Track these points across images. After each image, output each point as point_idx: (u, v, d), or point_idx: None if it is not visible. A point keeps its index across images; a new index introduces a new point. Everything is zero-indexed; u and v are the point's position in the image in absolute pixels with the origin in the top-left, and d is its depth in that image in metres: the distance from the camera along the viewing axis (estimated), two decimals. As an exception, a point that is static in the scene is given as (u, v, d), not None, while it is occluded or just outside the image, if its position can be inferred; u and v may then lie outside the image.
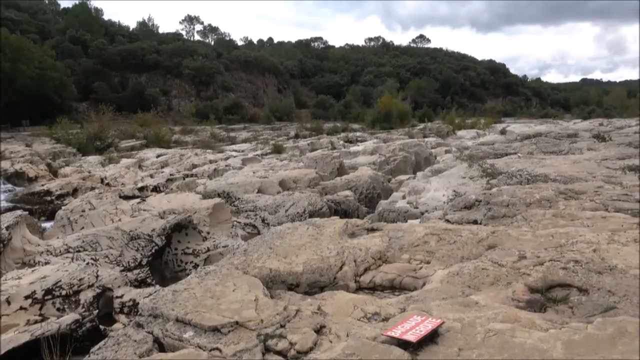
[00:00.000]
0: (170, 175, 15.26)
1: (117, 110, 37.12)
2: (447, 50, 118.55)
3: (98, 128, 25.97)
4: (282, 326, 3.21)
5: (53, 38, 57.04)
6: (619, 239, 4.21)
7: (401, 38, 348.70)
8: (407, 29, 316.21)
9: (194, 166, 18.22)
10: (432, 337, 2.79)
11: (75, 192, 12.69)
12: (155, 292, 4.59)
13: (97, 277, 5.83)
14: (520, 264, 3.92)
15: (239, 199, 11.01)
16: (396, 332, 2.80)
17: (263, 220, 9.80)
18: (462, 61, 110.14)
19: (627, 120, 40.93)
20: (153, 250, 7.01)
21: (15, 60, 39.45)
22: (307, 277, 4.28)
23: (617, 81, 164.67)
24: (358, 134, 36.04)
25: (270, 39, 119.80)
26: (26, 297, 5.31)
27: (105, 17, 79.27)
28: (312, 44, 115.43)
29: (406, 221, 7.51)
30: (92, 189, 12.15)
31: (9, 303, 5.16)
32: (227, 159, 20.10)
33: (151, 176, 15.84)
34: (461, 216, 6.49)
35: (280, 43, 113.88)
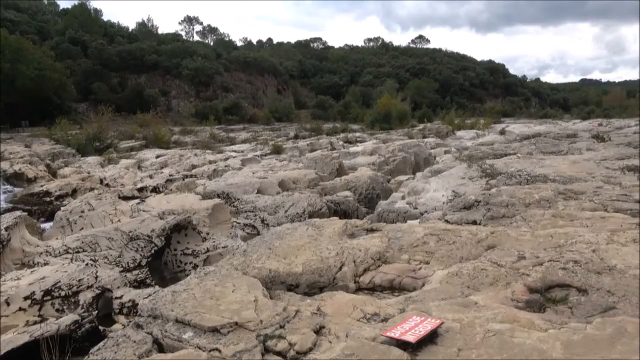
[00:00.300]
0: (170, 175, 15.26)
1: (116, 111, 37.13)
2: (446, 51, 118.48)
3: (97, 129, 25.98)
4: (281, 327, 3.21)
5: (52, 39, 56.96)
6: (618, 239, 4.21)
7: (400, 38, 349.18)
8: (406, 30, 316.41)
9: (194, 167, 18.23)
10: (431, 338, 2.79)
11: (74, 192, 12.68)
12: (154, 292, 4.60)
13: (96, 277, 5.82)
14: (520, 264, 3.92)
15: (238, 199, 11.01)
16: (395, 333, 2.80)
17: (262, 221, 9.80)
18: (461, 61, 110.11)
19: (626, 121, 41.00)
20: (152, 251, 7.01)
21: (15, 60, 39.42)
22: (307, 278, 4.28)
23: (617, 81, 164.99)
24: (357, 134, 36.07)
25: (270, 40, 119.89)
26: (25, 298, 5.30)
27: (105, 17, 79.18)
28: (312, 45, 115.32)
29: (405, 222, 7.51)
30: (92, 189, 12.15)
31: (8, 304, 5.16)
32: (226, 159, 20.11)
33: (150, 177, 15.83)
34: (460, 216, 6.49)
35: (280, 43, 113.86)
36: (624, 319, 2.83)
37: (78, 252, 7.00)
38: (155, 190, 12.91)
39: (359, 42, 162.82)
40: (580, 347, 2.57)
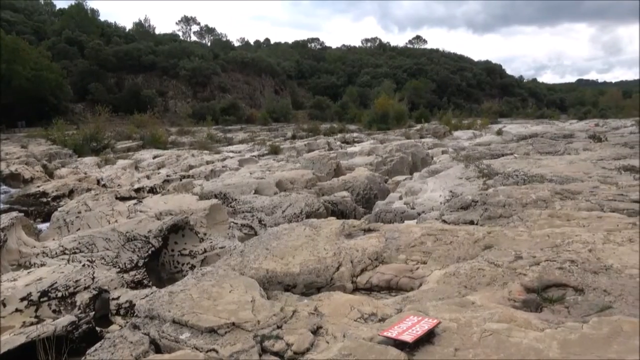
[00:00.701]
0: (167, 176, 15.22)
1: (113, 111, 36.94)
2: (443, 51, 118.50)
3: (94, 129, 25.93)
4: (278, 327, 3.21)
5: (49, 39, 56.71)
6: (615, 239, 4.22)
7: (398, 39, 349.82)
8: (403, 30, 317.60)
9: (191, 167, 18.20)
10: (428, 338, 2.80)
11: (71, 193, 12.64)
12: (151, 293, 4.59)
13: (93, 278, 5.81)
14: (517, 264, 3.93)
15: (235, 200, 11.00)
16: (392, 333, 2.80)
17: (260, 221, 9.79)
18: (458, 62, 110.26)
19: (622, 121, 41.14)
20: (149, 252, 6.99)
21: (11, 61, 39.27)
22: (304, 278, 4.28)
23: (613, 82, 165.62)
24: (355, 134, 36.06)
25: (267, 40, 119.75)
26: (22, 299, 5.29)
27: (102, 17, 79.05)
28: (309, 45, 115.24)
29: (403, 222, 7.51)
30: (88, 190, 12.11)
31: (4, 305, 5.14)
32: (224, 160, 20.09)
33: (148, 177, 15.81)
34: (458, 216, 6.50)
35: (277, 44, 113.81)
36: (620, 319, 2.84)
37: (75, 253, 6.98)
38: (153, 190, 12.89)
39: (356, 42, 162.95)
40: (576, 346, 2.58)
